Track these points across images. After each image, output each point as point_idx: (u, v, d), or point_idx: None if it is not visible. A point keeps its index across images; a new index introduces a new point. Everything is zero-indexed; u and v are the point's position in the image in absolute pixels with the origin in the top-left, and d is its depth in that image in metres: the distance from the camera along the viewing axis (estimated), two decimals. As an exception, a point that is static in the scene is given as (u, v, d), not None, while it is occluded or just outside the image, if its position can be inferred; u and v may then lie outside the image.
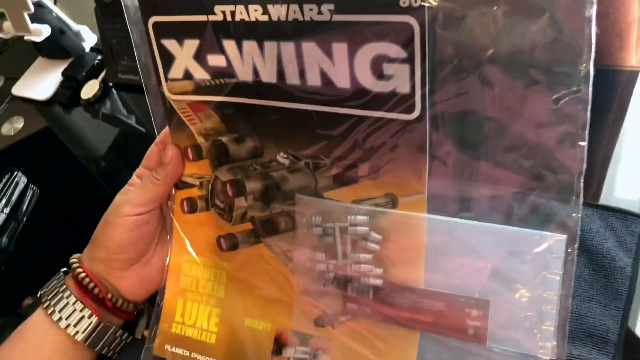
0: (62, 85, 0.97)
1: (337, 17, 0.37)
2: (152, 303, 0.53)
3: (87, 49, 1.00)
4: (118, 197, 0.50)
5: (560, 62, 0.34)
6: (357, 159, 0.42)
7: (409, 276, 0.41)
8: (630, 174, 0.53)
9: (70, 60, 0.99)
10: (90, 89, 0.91)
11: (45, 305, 0.49)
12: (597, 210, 0.47)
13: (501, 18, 0.34)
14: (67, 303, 0.49)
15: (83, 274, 0.49)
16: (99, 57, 0.96)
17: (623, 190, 0.53)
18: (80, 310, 0.49)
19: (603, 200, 0.51)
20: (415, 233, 0.41)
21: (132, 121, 0.86)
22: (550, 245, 0.37)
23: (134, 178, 0.52)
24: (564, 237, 0.36)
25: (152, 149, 0.51)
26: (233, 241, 0.48)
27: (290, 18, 0.39)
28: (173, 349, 0.50)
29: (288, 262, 0.46)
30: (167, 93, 0.47)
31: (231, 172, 0.47)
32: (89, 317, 0.49)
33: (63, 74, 0.97)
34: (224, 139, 0.47)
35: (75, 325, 0.48)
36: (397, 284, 0.42)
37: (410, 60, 0.36)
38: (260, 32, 0.40)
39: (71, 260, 0.51)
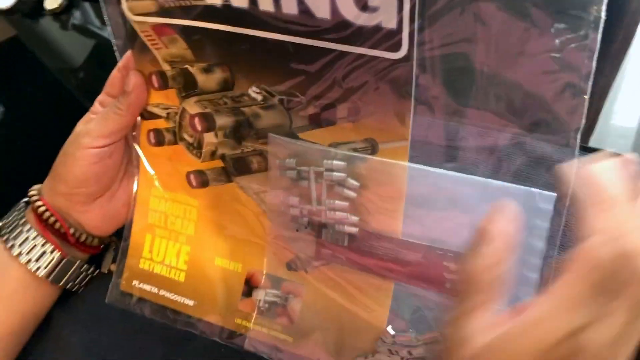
0: (23, -6, 0.88)
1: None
2: (119, 236, 0.50)
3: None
4: (79, 126, 0.46)
5: (568, 2, 0.30)
6: (335, 99, 0.38)
7: (386, 226, 0.39)
8: (628, 103, 0.51)
9: None
10: None
11: (4, 239, 0.46)
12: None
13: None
14: (27, 237, 0.46)
15: (43, 208, 0.46)
16: (63, -41, 0.87)
17: (620, 118, 0.51)
18: (42, 246, 0.46)
19: (599, 127, 0.48)
20: (395, 182, 0.38)
21: (105, 33, 0.78)
22: (538, 202, 0.34)
23: (96, 105, 0.47)
24: (553, 195, 0.34)
25: (115, 74, 0.46)
26: (203, 178, 0.46)
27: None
28: (141, 285, 0.48)
29: (261, 203, 0.44)
30: (127, 13, 0.42)
31: (200, 104, 0.43)
32: (51, 252, 0.46)
33: (22, -20, 0.88)
34: (192, 67, 0.43)
35: (36, 261, 0.46)
36: (373, 233, 0.40)
37: (398, -9, 0.32)
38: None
39: (30, 192, 0.48)
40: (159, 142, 0.46)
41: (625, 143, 0.52)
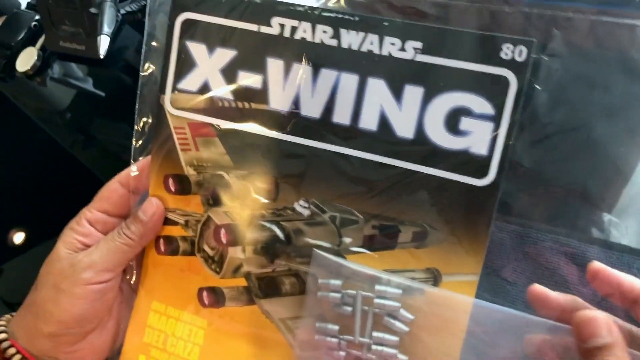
0: (-8, 53, 0.80)
1: (421, 58, 0.33)
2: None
3: (24, 5, 0.80)
4: (67, 253, 0.39)
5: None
6: (400, 221, 0.36)
7: (440, 368, 0.35)
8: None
9: (1, 19, 0.82)
10: (27, 59, 0.73)
11: None
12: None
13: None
14: None
15: (18, 356, 0.38)
16: (37, 18, 0.76)
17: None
18: None
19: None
20: (455, 319, 0.35)
21: (87, 85, 0.73)
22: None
23: (85, 224, 0.40)
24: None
25: (114, 187, 0.40)
26: (219, 297, 0.40)
27: (364, 49, 0.34)
28: (130, 415, 0.40)
29: (286, 332, 0.39)
30: (167, 105, 0.40)
31: (230, 215, 0.40)
32: None
33: (-7, 38, 0.81)
34: (227, 174, 0.40)
35: None
36: (423, 376, 0.35)
37: (496, 118, 0.32)
38: (321, 57, 0.35)
39: None
40: (172, 251, 0.41)
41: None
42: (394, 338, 0.35)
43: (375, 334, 0.36)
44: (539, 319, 0.33)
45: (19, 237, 0.62)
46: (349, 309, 0.36)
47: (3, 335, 0.39)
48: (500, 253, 0.38)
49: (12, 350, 0.38)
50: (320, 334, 0.37)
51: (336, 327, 0.37)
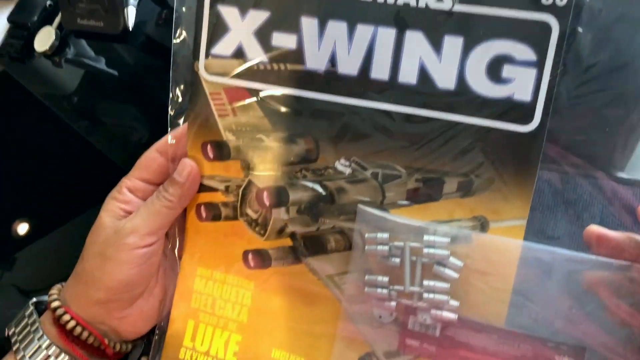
0: (10, 35, 0.79)
1: (460, 8, 0.33)
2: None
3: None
4: (110, 221, 0.39)
5: None
6: (444, 173, 0.36)
7: (490, 313, 0.36)
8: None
9: (15, 1, 0.82)
10: (45, 39, 0.72)
11: (19, 357, 0.38)
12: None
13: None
14: (49, 357, 0.38)
15: (73, 322, 0.39)
16: (51, -3, 0.77)
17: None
18: None
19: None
20: (504, 263, 0.35)
21: (100, 65, 0.72)
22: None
23: (126, 193, 0.41)
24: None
25: (153, 156, 0.41)
26: (264, 259, 0.41)
27: (400, 2, 0.33)
28: (181, 378, 0.41)
29: (334, 288, 0.40)
30: (201, 71, 0.40)
31: (272, 177, 0.40)
32: None
33: (9, 19, 0.80)
34: (267, 138, 0.40)
35: None
36: (473, 322, 0.36)
37: (539, 64, 0.32)
38: (356, 12, 0.35)
39: (51, 301, 0.40)
40: (214, 217, 0.42)
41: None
42: (445, 285, 0.36)
43: (425, 282, 0.37)
44: (590, 257, 0.34)
45: (23, 228, 0.63)
46: (397, 260, 0.37)
47: (56, 303, 0.40)
48: (541, 198, 0.38)
49: (66, 317, 0.39)
50: (369, 286, 0.38)
51: (386, 279, 0.37)
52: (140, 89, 0.67)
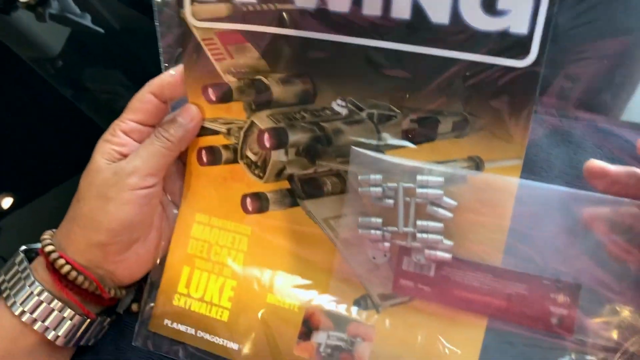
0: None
1: (454, -64, 0.32)
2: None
3: None
4: (107, 163, 0.39)
5: None
6: (438, 112, 0.36)
7: (486, 252, 0.36)
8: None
9: None
10: None
11: (10, 304, 0.38)
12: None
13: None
14: (41, 302, 0.38)
15: (67, 267, 0.39)
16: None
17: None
18: (60, 311, 0.39)
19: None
20: (500, 202, 0.35)
21: (85, 21, 0.71)
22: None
23: (120, 135, 0.40)
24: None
25: (148, 99, 0.40)
26: (263, 202, 0.41)
27: None
28: (174, 325, 0.42)
29: (329, 230, 0.40)
30: (189, 18, 0.39)
31: (272, 118, 0.40)
32: (71, 318, 0.39)
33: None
34: (266, 78, 0.39)
35: (55, 328, 0.39)
36: (469, 261, 0.36)
37: (536, -7, 0.31)
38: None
39: (44, 245, 0.40)
40: (215, 160, 0.42)
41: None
42: (438, 225, 0.36)
43: (419, 222, 0.36)
44: (587, 193, 0.33)
45: (7, 202, 0.63)
46: (391, 201, 0.37)
47: (50, 247, 0.39)
48: (535, 139, 0.37)
49: (61, 261, 0.39)
50: (363, 228, 0.38)
51: (379, 220, 0.37)
52: (127, 53, 0.66)
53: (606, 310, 0.34)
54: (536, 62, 0.32)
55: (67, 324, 0.39)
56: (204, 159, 0.42)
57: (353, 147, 0.38)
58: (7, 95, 0.69)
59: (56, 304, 0.39)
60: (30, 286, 0.39)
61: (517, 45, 0.32)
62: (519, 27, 0.32)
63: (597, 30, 0.32)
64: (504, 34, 0.32)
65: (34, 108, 0.67)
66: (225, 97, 0.40)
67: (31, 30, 0.70)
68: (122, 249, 0.40)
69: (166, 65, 0.41)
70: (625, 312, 0.33)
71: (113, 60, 0.67)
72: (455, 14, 0.33)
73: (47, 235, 0.41)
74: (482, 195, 0.35)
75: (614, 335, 0.34)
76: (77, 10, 0.69)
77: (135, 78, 0.60)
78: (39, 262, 0.40)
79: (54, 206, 0.59)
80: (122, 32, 0.66)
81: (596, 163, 0.33)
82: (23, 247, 0.41)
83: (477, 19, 0.33)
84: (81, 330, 0.40)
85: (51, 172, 0.62)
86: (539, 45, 0.32)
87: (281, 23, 0.38)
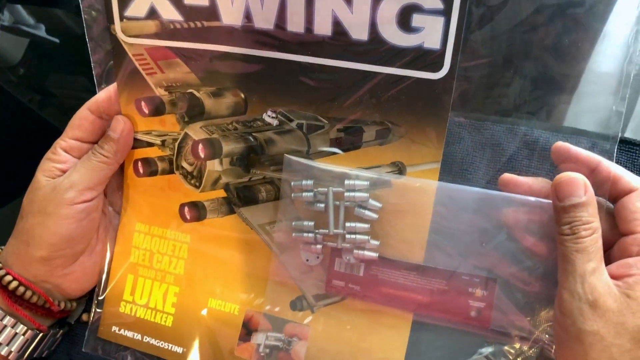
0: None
1: (367, -41, 0.34)
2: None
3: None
4: (47, 180, 0.40)
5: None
6: (362, 122, 0.38)
7: (409, 251, 0.38)
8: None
9: None
10: None
11: None
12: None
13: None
14: None
15: (15, 283, 0.39)
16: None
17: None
18: (12, 326, 0.40)
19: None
20: (422, 202, 0.37)
21: (40, 32, 0.71)
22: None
23: (60, 153, 0.41)
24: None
25: (85, 115, 0.41)
26: (200, 210, 0.42)
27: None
28: (122, 331, 0.43)
29: (265, 235, 0.41)
30: (119, 34, 0.40)
31: (206, 130, 0.41)
32: (24, 333, 0.40)
33: None
34: (198, 92, 0.41)
35: (7, 344, 0.40)
36: (394, 260, 0.39)
37: (446, 12, 0.34)
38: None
39: None
40: (151, 172, 0.43)
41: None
42: (365, 226, 0.38)
43: (348, 224, 0.39)
44: (501, 193, 0.36)
45: None
46: (322, 205, 0.39)
47: None
48: (459, 145, 0.40)
49: (8, 278, 0.39)
50: (297, 231, 0.40)
51: (311, 223, 0.39)
52: (87, 59, 0.66)
53: (520, 301, 0.37)
54: (449, 74, 0.35)
55: (20, 339, 0.40)
56: (140, 170, 0.43)
57: (286, 155, 0.40)
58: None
59: (8, 320, 0.39)
60: None
61: (430, 59, 0.35)
62: (432, 42, 0.34)
63: (506, 42, 0.35)
64: (419, 49, 0.35)
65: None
66: (158, 110, 0.42)
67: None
68: (66, 262, 0.41)
69: (97, 79, 0.42)
70: (537, 303, 0.37)
71: (76, 65, 0.66)
72: (374, 30, 0.35)
73: None
74: (405, 197, 0.38)
75: (527, 324, 0.37)
76: (31, 21, 0.68)
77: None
78: None
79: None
80: (78, 37, 0.66)
81: (507, 177, 0.36)
82: None
83: (394, 36, 0.35)
84: (34, 344, 0.41)
85: (20, 180, 0.62)
86: (451, 58, 0.34)
87: (208, 40, 0.39)
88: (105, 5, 0.39)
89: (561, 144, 0.36)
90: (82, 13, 0.40)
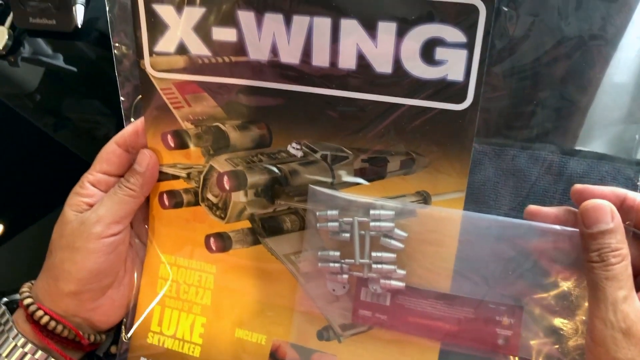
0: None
1: (391, -7, 0.35)
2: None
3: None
4: (75, 215, 0.41)
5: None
6: (387, 152, 0.38)
7: (435, 280, 0.39)
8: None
9: None
10: None
11: None
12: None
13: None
14: (25, 354, 0.40)
15: (46, 318, 0.40)
16: (2, -2, 0.78)
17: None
18: None
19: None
20: (447, 231, 0.38)
21: (58, 62, 0.72)
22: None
23: (88, 187, 0.42)
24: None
25: (112, 149, 0.42)
26: (226, 241, 0.43)
27: (332, -9, 0.35)
28: (150, 362, 0.43)
29: (291, 265, 0.42)
30: (149, 69, 0.41)
31: (231, 162, 0.42)
32: None
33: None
34: (224, 125, 0.42)
35: None
36: (420, 289, 0.39)
37: (469, 45, 0.34)
38: (290, 3, 0.36)
39: (23, 298, 0.41)
40: (176, 204, 0.44)
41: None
42: (392, 255, 0.39)
43: (374, 254, 0.39)
44: (526, 222, 0.36)
45: None
46: (347, 235, 0.39)
47: (29, 300, 0.41)
48: (482, 172, 0.40)
49: (40, 313, 0.40)
50: (322, 261, 0.40)
51: (337, 253, 0.40)
52: (102, 83, 0.67)
53: (547, 329, 0.37)
54: (472, 105, 0.35)
55: None
56: (166, 202, 0.44)
57: (310, 185, 0.40)
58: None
59: (40, 354, 0.40)
60: (14, 339, 0.40)
61: (454, 91, 0.35)
62: (456, 75, 0.35)
63: (530, 77, 0.36)
64: (443, 81, 0.35)
65: (16, 142, 0.67)
66: (184, 143, 0.42)
67: (5, 72, 0.70)
68: (95, 296, 0.41)
69: (126, 113, 0.43)
70: (565, 329, 0.37)
71: (90, 90, 0.68)
72: (397, 64, 0.36)
73: (25, 288, 0.42)
74: (430, 227, 0.38)
75: (555, 352, 0.37)
76: (50, 52, 0.70)
77: (114, 106, 0.62)
78: (20, 314, 0.41)
79: (39, 238, 0.59)
80: (98, 60, 0.67)
81: (532, 208, 0.36)
82: (4, 300, 0.43)
83: (417, 68, 0.36)
84: None
85: (38, 204, 0.63)
86: (474, 90, 0.35)
87: (236, 74, 0.40)
88: (135, 40, 0.40)
89: (580, 187, 0.36)
90: (112, 48, 0.41)
